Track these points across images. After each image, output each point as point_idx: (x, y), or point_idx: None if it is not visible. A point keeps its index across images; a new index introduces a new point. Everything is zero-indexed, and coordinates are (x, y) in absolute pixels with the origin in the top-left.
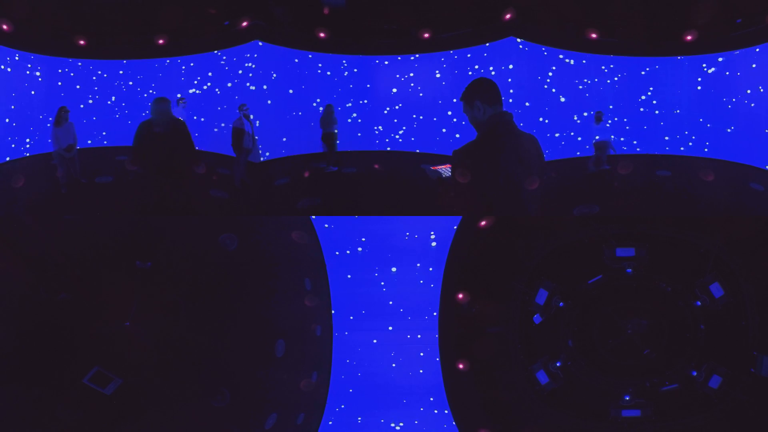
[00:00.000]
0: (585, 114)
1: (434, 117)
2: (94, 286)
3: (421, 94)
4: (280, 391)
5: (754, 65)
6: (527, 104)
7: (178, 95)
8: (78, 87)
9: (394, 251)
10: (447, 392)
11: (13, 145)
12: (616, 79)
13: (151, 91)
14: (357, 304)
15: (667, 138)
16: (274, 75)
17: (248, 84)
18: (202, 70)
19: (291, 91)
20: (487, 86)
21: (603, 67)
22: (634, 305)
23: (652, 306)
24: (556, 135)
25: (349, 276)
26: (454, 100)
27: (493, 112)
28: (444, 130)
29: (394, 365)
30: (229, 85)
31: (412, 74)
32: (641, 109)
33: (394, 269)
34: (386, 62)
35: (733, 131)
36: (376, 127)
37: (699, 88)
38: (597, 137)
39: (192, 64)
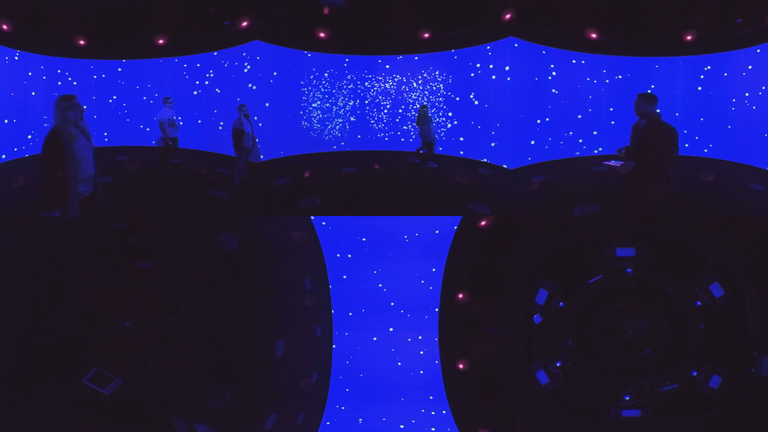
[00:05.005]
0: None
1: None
2: (94, 286)
3: (420, 94)
4: (280, 391)
5: (750, 67)
6: (527, 104)
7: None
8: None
9: (394, 251)
10: (447, 392)
11: (15, 149)
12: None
13: (156, 94)
14: (357, 304)
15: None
16: (275, 74)
17: (249, 84)
18: (202, 70)
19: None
20: None
21: (604, 71)
22: (634, 305)
23: (652, 306)
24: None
25: (346, 276)
26: (457, 99)
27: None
28: (444, 130)
29: (395, 365)
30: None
31: (410, 74)
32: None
33: (394, 269)
34: (386, 63)
35: (733, 131)
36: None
37: (699, 88)
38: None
39: (192, 65)
